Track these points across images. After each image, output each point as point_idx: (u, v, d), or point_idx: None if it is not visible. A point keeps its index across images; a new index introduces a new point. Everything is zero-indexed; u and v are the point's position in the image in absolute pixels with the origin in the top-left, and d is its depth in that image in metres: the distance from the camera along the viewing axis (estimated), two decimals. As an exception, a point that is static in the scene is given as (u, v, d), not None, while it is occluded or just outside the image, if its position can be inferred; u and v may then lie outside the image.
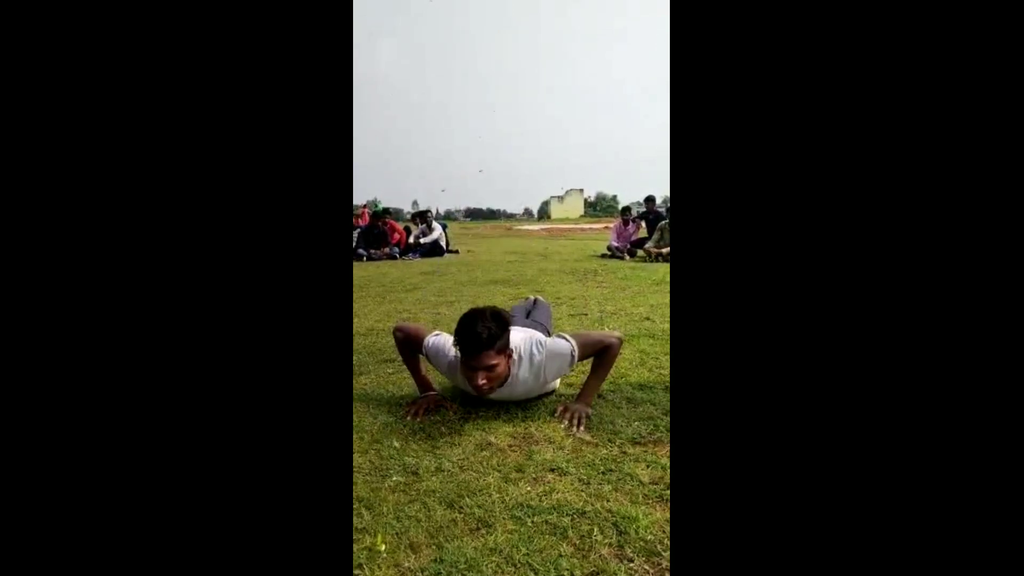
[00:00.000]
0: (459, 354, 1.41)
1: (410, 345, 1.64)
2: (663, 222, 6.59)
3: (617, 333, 1.61)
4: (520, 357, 1.50)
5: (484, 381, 1.40)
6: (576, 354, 1.53)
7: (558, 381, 1.71)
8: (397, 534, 0.95)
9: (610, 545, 0.91)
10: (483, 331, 1.36)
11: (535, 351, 1.51)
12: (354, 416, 1.51)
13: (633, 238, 7.12)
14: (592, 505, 1.03)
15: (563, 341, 1.54)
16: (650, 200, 7.72)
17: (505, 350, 1.43)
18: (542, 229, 20.65)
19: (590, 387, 1.54)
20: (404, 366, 2.01)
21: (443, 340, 1.58)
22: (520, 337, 1.55)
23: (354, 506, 1.04)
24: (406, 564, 0.87)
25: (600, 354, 1.56)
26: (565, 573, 0.85)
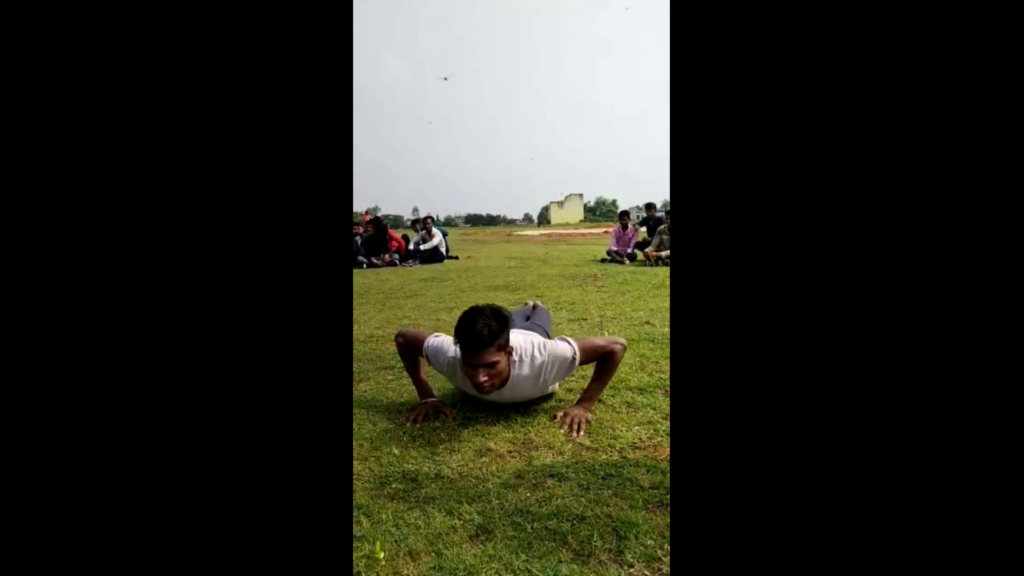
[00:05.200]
0: (459, 353, 1.41)
1: (411, 350, 1.64)
2: (662, 226, 6.60)
3: (621, 340, 1.60)
4: (521, 358, 1.50)
5: (486, 378, 1.39)
6: (578, 358, 1.52)
7: (557, 384, 1.70)
8: (396, 541, 0.94)
9: (610, 551, 0.91)
10: (483, 328, 1.36)
11: (537, 353, 1.51)
12: (353, 423, 1.51)
13: (634, 241, 7.13)
14: (592, 511, 1.02)
15: (565, 344, 1.53)
16: (650, 207, 7.84)
17: (505, 347, 1.43)
18: (542, 234, 20.68)
19: (592, 392, 1.54)
20: (404, 372, 2.01)
21: (443, 341, 1.58)
22: (521, 339, 1.55)
23: (353, 513, 1.03)
24: (405, 572, 0.87)
25: (603, 360, 1.55)
26: (565, 579, 0.84)
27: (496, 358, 1.39)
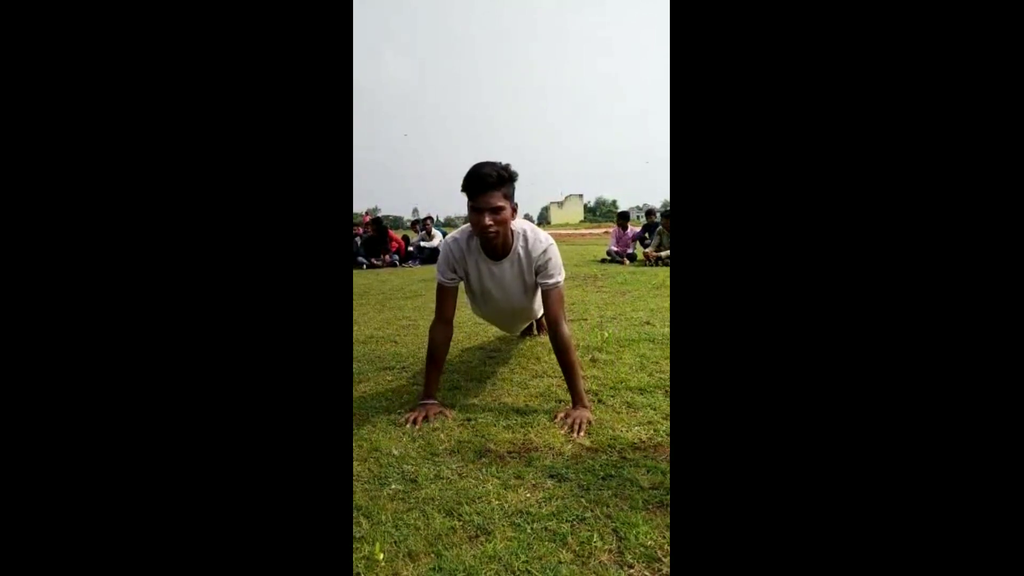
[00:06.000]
0: (468, 201, 1.47)
1: (443, 305, 1.68)
2: (659, 227, 6.65)
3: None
4: (526, 235, 1.58)
5: (491, 222, 1.45)
6: (559, 284, 1.60)
7: (539, 307, 1.82)
8: (395, 542, 0.94)
9: (610, 551, 0.91)
10: (492, 172, 1.43)
11: (541, 238, 1.60)
12: (353, 423, 1.51)
13: (633, 240, 7.18)
14: (592, 511, 1.02)
15: (561, 272, 1.63)
16: (650, 213, 8.24)
17: (511, 199, 1.49)
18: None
19: (576, 388, 1.52)
20: (404, 372, 2.02)
21: (444, 243, 1.68)
22: (532, 225, 1.65)
23: (352, 514, 1.03)
24: (404, 573, 0.87)
25: (557, 347, 1.54)
26: (565, 580, 0.84)
27: (501, 203, 1.45)
